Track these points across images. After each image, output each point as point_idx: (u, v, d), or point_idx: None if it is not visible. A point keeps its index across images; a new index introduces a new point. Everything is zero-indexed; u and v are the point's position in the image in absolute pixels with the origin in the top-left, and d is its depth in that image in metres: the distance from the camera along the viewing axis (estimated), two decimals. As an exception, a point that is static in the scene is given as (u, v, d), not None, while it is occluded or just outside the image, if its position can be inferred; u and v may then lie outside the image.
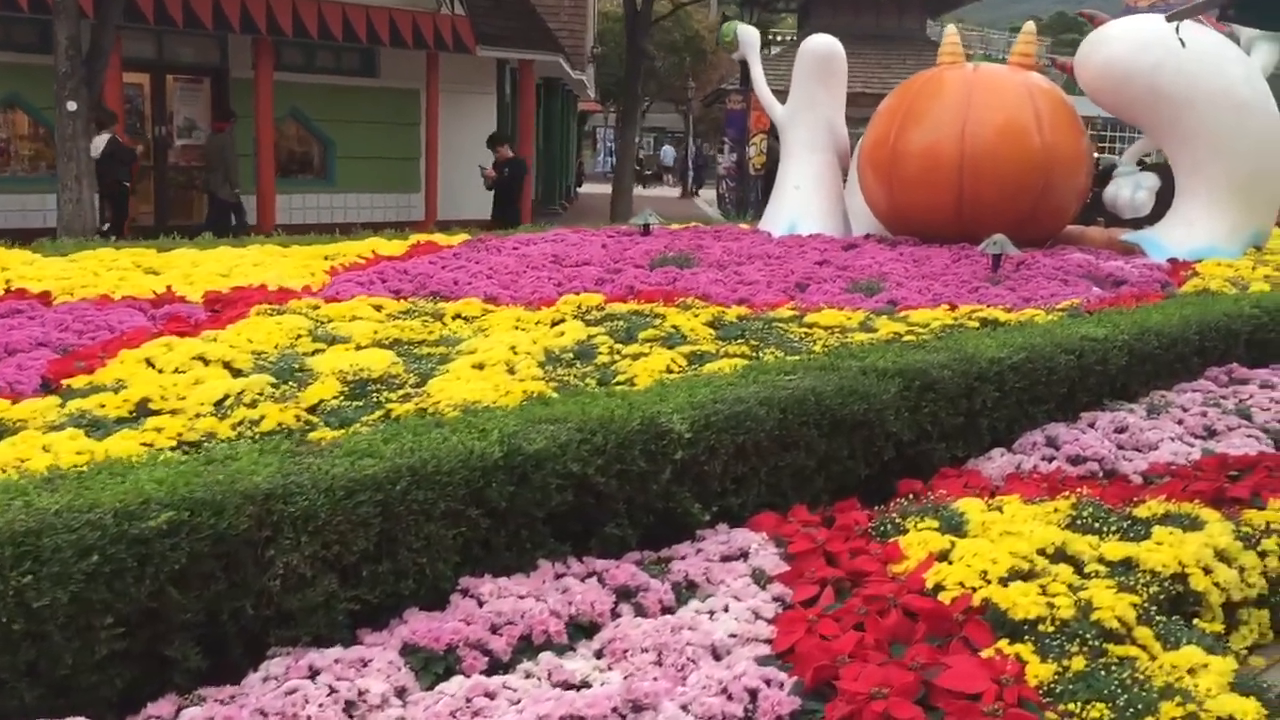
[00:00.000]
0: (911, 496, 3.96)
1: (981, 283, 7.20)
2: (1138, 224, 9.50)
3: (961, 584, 3.09)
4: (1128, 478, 4.40)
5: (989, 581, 3.08)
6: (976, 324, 5.60)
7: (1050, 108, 9.07)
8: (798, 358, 4.54)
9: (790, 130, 10.26)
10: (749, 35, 10.60)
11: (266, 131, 15.87)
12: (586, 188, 36.85)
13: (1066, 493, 3.98)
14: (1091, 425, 4.85)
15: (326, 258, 7.38)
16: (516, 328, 5.08)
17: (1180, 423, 4.91)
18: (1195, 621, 3.37)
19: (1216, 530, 3.65)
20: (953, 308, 6.05)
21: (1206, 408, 5.07)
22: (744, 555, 3.36)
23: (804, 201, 9.93)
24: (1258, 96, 8.84)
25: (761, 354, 4.78)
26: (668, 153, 48.97)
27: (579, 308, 5.58)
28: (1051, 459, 4.45)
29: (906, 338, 5.22)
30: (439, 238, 8.90)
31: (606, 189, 27.06)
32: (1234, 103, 8.64)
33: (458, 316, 5.39)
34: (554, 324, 5.22)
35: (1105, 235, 9.74)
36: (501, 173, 14.29)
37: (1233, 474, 4.32)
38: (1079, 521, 3.68)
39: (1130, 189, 9.20)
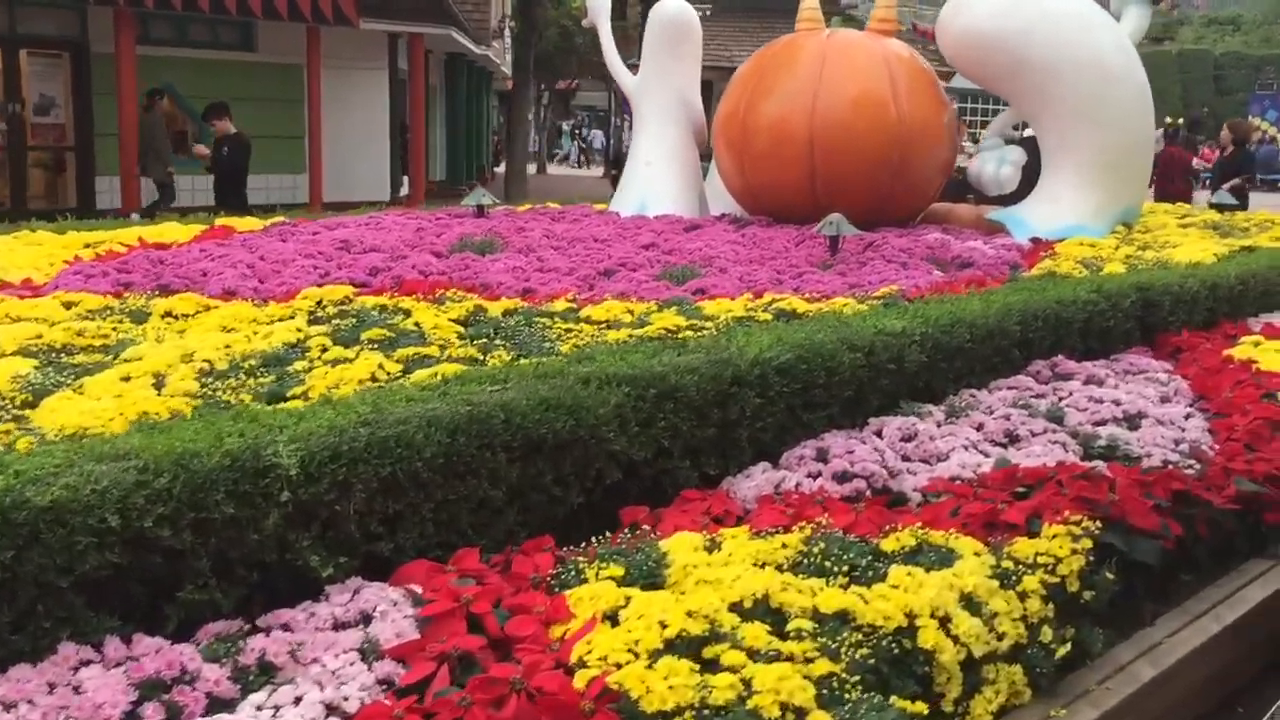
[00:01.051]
0: (629, 530, 3.34)
1: (814, 267, 6.61)
2: (1009, 201, 8.98)
3: (604, 659, 2.45)
4: (905, 496, 3.82)
5: (637, 655, 2.45)
6: (770, 316, 4.99)
7: (909, 77, 8.50)
8: (528, 362, 3.88)
9: (641, 103, 9.58)
10: (596, 1, 9.90)
11: (129, 110, 14.88)
12: (555, 169, 35.90)
13: (804, 522, 3.37)
14: (878, 433, 4.26)
15: (87, 245, 6.59)
16: (224, 329, 4.37)
17: (980, 427, 4.34)
18: (934, 685, 2.78)
19: (968, 568, 3.06)
20: (757, 296, 5.43)
21: (1014, 409, 4.50)
22: (366, 620, 2.70)
23: (655, 180, 9.27)
24: (1127, 65, 8.34)
25: (489, 356, 4.11)
26: (597, 136, 48.29)
27: (318, 303, 4.88)
28: (818, 475, 3.84)
29: (685, 333, 4.59)
30: (243, 222, 8.11)
31: (570, 173, 26.23)
32: (1101, 71, 8.13)
33: (167, 315, 4.66)
34: (275, 322, 4.51)
35: (974, 213, 9.22)
36: (219, 151, 12.31)
37: (1020, 490, 3.75)
38: (808, 560, 3.08)
39: (994, 164, 8.66)
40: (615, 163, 20.16)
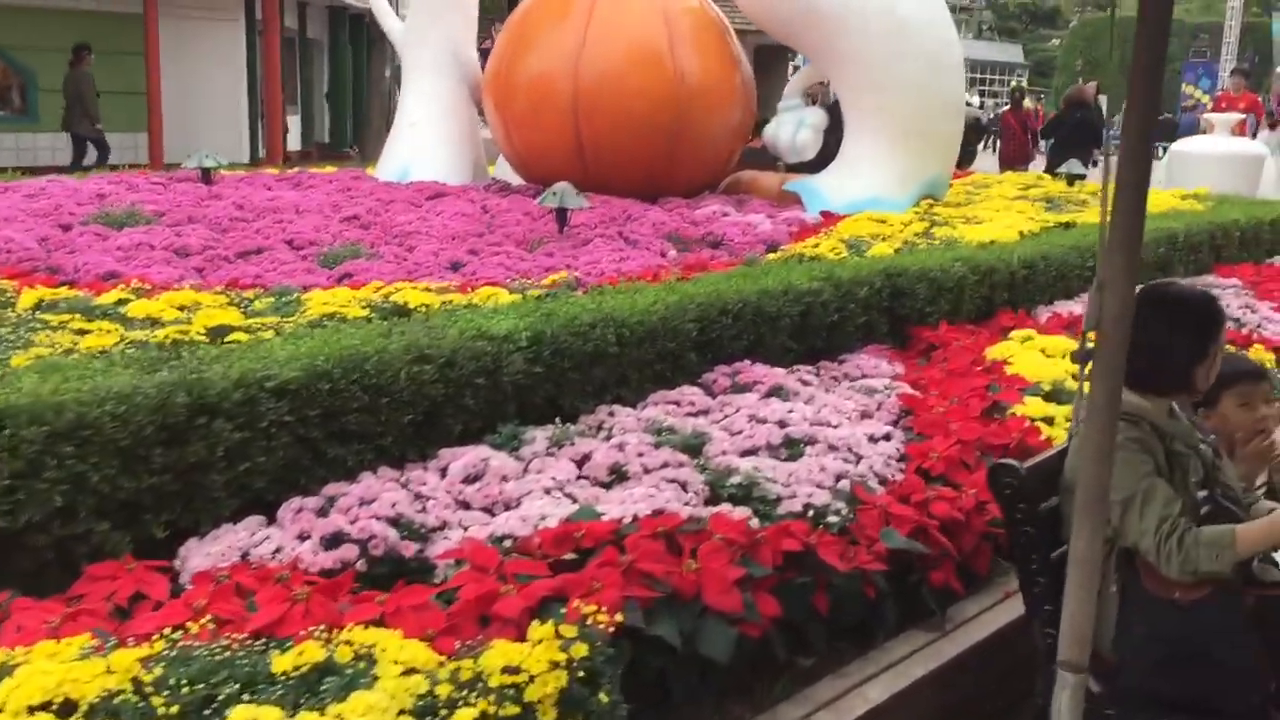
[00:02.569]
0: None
1: (527, 245, 5.63)
2: (816, 168, 8.07)
3: None
4: (431, 565, 2.87)
5: None
6: (368, 314, 4.00)
7: (692, 29, 7.54)
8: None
9: (408, 55, 8.52)
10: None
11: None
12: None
13: (211, 616, 2.42)
14: (444, 470, 3.30)
15: None
16: None
17: (584, 461, 3.40)
18: None
19: (368, 702, 2.12)
20: (380, 288, 4.43)
21: (643, 434, 3.57)
22: None
23: (421, 141, 8.22)
24: (929, 18, 7.44)
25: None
26: None
27: None
28: (308, 536, 2.88)
29: (237, 336, 3.59)
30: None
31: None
32: (896, 23, 7.21)
33: None
34: None
35: (780, 181, 8.29)
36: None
37: (573, 556, 2.83)
38: (117, 702, 2.11)
39: (791, 127, 7.74)
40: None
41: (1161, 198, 9.55)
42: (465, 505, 3.15)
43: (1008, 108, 17.17)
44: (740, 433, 3.70)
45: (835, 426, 3.93)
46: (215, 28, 18.68)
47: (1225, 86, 15.11)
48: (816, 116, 7.75)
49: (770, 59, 26.50)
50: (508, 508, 3.14)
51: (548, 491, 3.20)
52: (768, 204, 7.65)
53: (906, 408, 4.16)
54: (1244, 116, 13.33)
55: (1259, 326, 6.17)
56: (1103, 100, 15.22)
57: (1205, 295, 2.83)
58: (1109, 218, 2.17)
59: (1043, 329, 5.61)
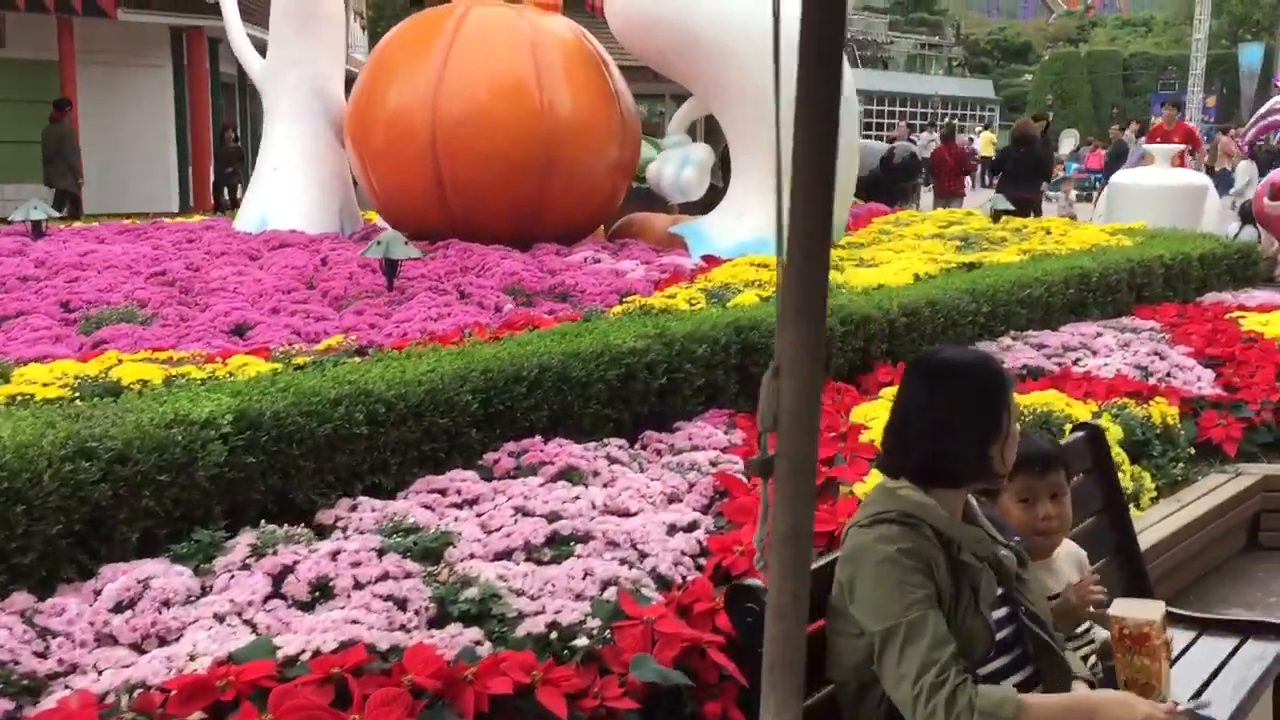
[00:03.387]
0: None
1: (340, 301, 5.05)
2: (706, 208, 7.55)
3: None
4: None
5: None
6: (70, 393, 3.39)
7: (563, 61, 7.03)
8: None
9: (270, 95, 7.97)
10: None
11: None
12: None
13: None
14: (99, 593, 2.69)
15: None
16: None
17: (284, 573, 2.79)
18: None
19: None
20: (108, 362, 3.82)
21: (371, 537, 2.96)
22: None
23: (283, 187, 7.65)
24: (818, 44, 6.92)
25: None
26: None
27: None
28: None
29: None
30: None
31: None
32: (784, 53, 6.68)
33: None
34: None
35: (670, 223, 7.76)
36: None
37: (200, 717, 2.22)
38: None
39: (675, 166, 7.21)
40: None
41: (1089, 233, 9.10)
42: (114, 640, 2.55)
43: (938, 143, 17.31)
44: (499, 529, 3.10)
45: (631, 515, 3.36)
46: (140, 75, 18.15)
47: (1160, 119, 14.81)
48: (701, 154, 7.22)
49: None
50: (164, 642, 2.53)
51: (221, 619, 2.59)
52: (650, 249, 7.12)
53: (722, 488, 3.58)
54: (1183, 148, 12.95)
55: (1167, 376, 5.65)
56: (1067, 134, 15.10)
57: (985, 359, 2.29)
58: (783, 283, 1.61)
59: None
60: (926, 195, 17.87)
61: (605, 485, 3.54)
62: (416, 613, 2.67)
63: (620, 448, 3.83)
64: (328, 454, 3.21)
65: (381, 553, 2.87)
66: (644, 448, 4.01)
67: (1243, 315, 7.15)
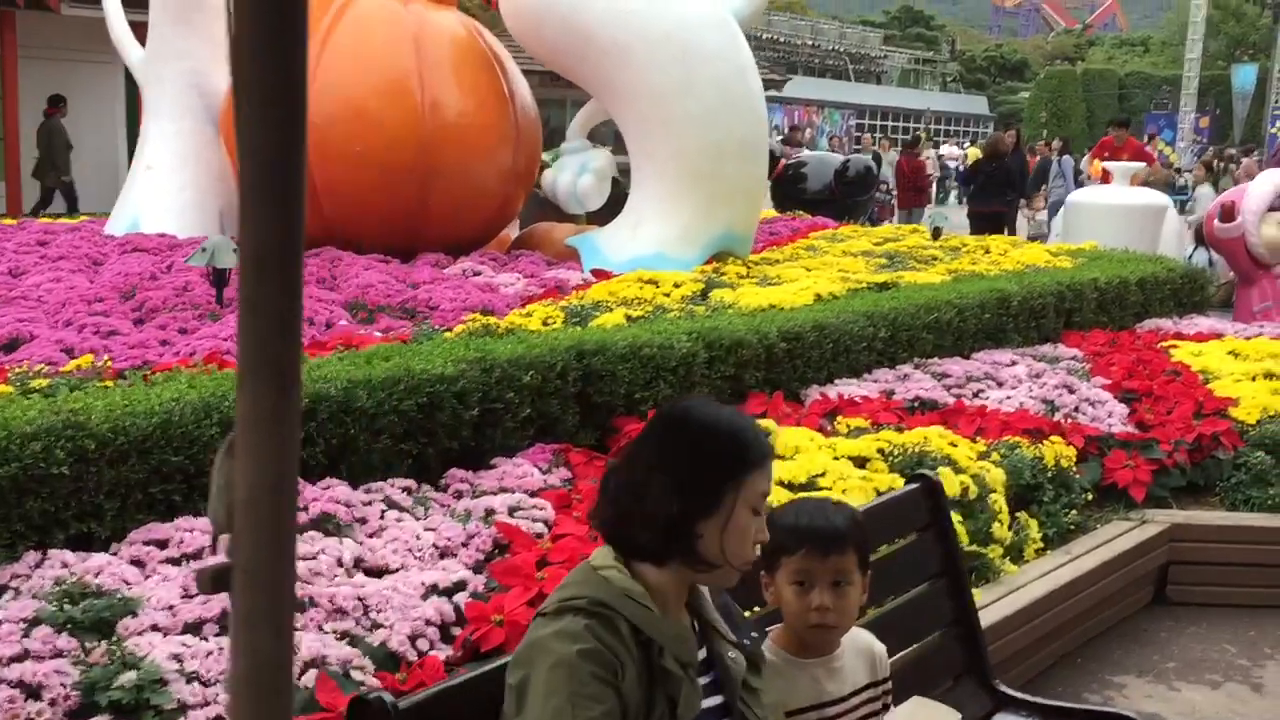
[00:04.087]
0: None
1: (171, 312, 4.59)
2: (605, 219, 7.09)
3: None
4: None
5: None
6: None
7: (451, 58, 6.59)
8: None
9: (148, 89, 7.51)
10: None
11: None
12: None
13: None
14: None
15: None
16: None
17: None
18: None
19: None
20: None
21: (30, 602, 2.50)
22: None
23: (157, 188, 7.19)
24: (722, 45, 6.51)
25: None
26: None
27: None
28: None
29: None
30: None
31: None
32: (682, 51, 6.27)
33: None
34: None
35: (573, 234, 7.31)
36: None
37: None
38: None
39: (573, 173, 6.77)
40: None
41: (1029, 253, 8.69)
42: None
43: (901, 154, 17.77)
44: (198, 594, 2.64)
45: (391, 572, 2.91)
46: (91, 71, 17.65)
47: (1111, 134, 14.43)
48: (600, 160, 6.79)
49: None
50: None
51: None
52: (544, 261, 6.67)
53: (504, 540, 3.13)
54: (1143, 166, 12.57)
55: (1075, 411, 5.21)
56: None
57: (733, 421, 1.81)
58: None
59: (793, 418, 4.63)
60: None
61: (371, 535, 3.09)
62: (52, 703, 2.22)
63: (406, 490, 3.38)
64: (15, 499, 2.74)
65: (34, 624, 2.41)
66: (446, 488, 3.56)
67: (1176, 345, 6.75)
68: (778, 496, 3.72)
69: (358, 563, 2.91)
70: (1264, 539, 4.78)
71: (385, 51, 6.39)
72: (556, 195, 6.82)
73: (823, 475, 3.91)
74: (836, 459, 4.06)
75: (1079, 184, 14.76)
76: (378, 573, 2.92)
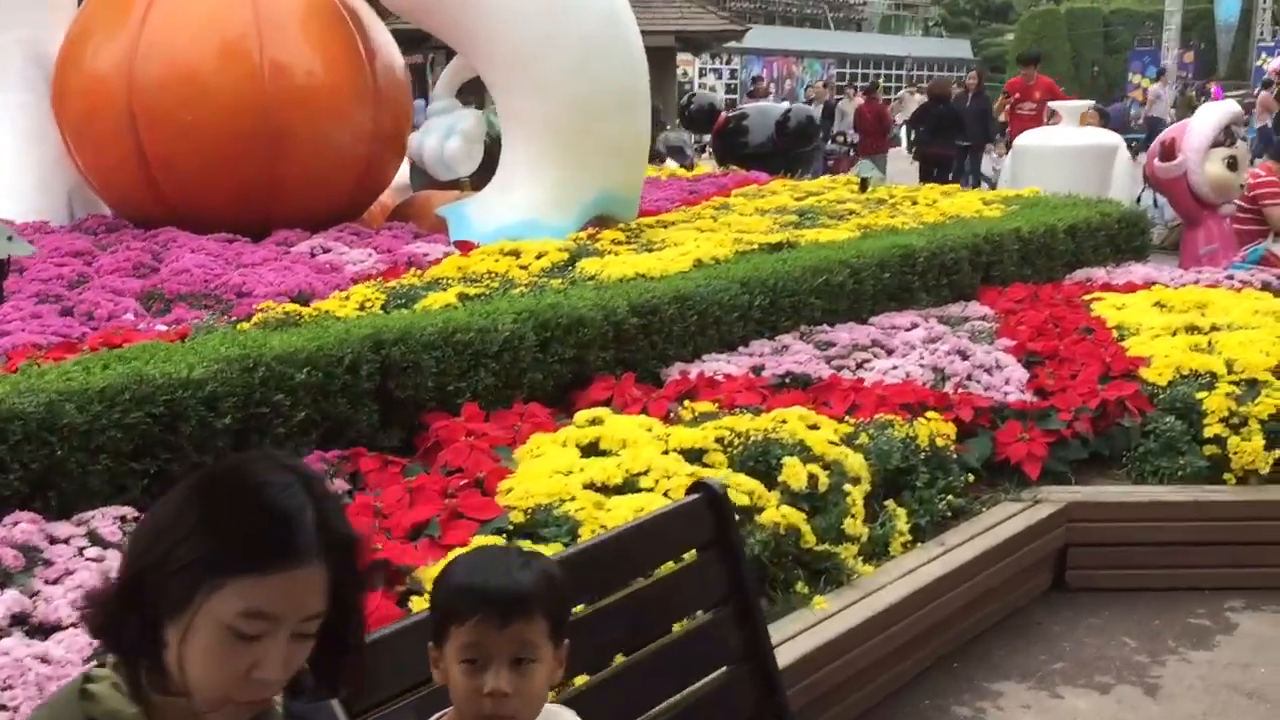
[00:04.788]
0: None
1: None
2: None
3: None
4: None
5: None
6: None
7: (295, 14, 6.05)
8: None
9: (-20, 61, 6.94)
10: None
11: None
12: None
13: None
14: None
15: None
16: None
17: None
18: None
19: None
20: None
21: None
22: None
23: (-6, 170, 6.64)
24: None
25: None
26: None
27: None
28: None
29: None
30: None
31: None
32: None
33: None
34: None
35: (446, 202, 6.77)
36: None
37: None
38: None
39: (439, 135, 6.23)
40: None
41: (961, 202, 8.18)
42: None
43: (863, 100, 17.68)
44: None
45: (64, 628, 2.44)
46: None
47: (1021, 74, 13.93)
48: (470, 121, 6.25)
49: (655, 58, 25.13)
50: None
51: None
52: (410, 235, 6.16)
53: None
54: (1091, 104, 12.03)
55: (968, 379, 4.74)
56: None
57: (253, 491, 1.29)
58: None
59: (639, 404, 4.15)
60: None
61: (54, 581, 2.61)
62: None
63: (121, 520, 2.90)
64: None
65: None
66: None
67: (1101, 297, 6.27)
68: (586, 501, 3.27)
69: (17, 619, 2.44)
70: (1169, 515, 4.33)
71: (218, 10, 5.84)
72: (423, 160, 6.29)
73: (645, 474, 3.44)
74: (666, 453, 3.59)
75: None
76: (45, 631, 2.45)
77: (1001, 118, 13.58)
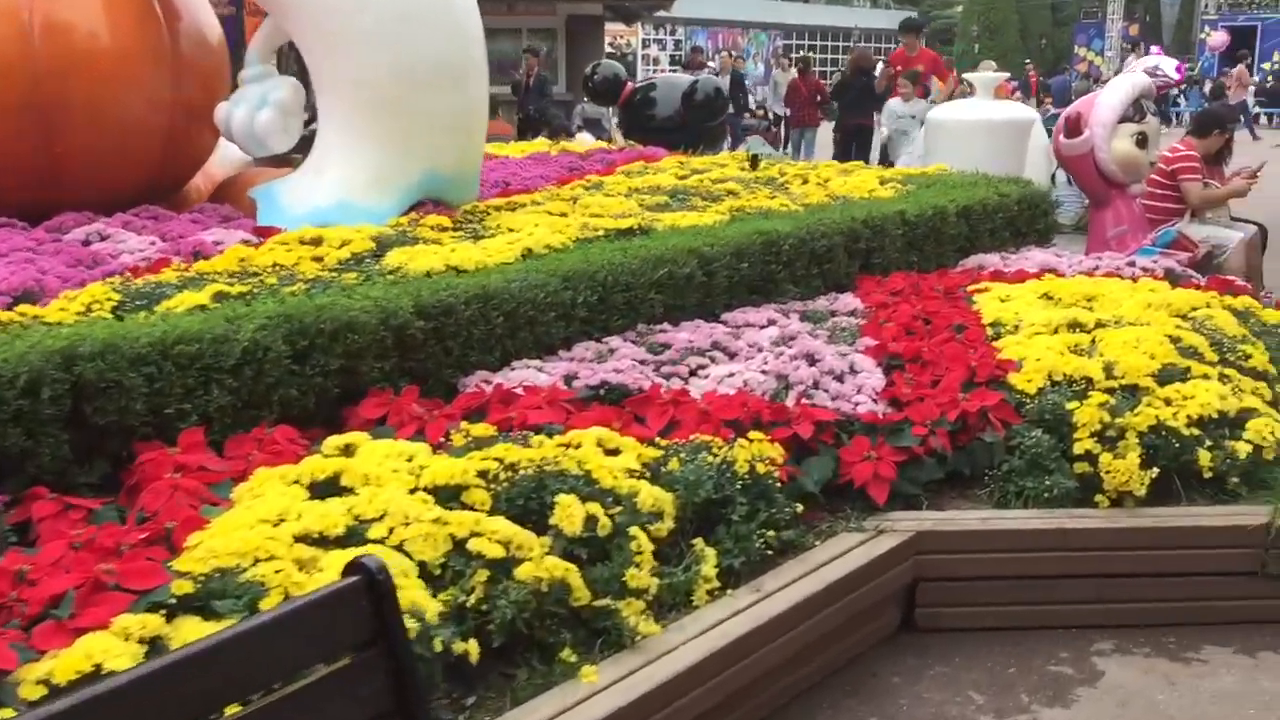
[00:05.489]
0: None
1: None
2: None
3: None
4: None
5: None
6: None
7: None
8: None
9: None
10: None
11: None
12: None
13: None
14: None
15: None
16: None
17: None
18: None
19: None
20: None
21: None
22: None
23: None
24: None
25: None
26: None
27: None
28: None
29: None
30: None
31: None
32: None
33: None
34: None
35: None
36: None
37: None
38: None
39: (250, 106, 5.54)
40: None
41: (856, 181, 7.62)
42: None
43: (795, 75, 18.03)
44: None
45: None
46: None
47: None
48: (285, 90, 5.58)
49: (583, 27, 24.37)
50: None
51: None
52: (217, 218, 5.49)
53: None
54: (1005, 76, 11.56)
55: (813, 387, 4.19)
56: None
57: None
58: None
59: (415, 424, 3.56)
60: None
61: None
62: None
63: None
64: None
65: None
66: None
67: (987, 287, 5.76)
68: (289, 560, 2.67)
69: None
70: (1026, 545, 3.83)
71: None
72: (232, 133, 5.62)
73: (379, 520, 2.85)
74: (415, 491, 3.00)
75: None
76: None
77: (887, 89, 13.17)
